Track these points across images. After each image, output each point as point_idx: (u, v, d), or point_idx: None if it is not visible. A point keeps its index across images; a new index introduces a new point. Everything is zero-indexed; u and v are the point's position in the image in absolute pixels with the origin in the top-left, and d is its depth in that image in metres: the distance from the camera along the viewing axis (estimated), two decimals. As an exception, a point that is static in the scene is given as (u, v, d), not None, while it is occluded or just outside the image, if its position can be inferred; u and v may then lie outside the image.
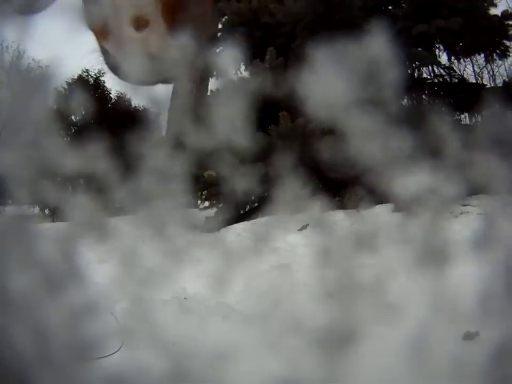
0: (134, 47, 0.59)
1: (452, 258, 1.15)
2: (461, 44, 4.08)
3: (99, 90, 8.18)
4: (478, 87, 4.74)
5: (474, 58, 5.56)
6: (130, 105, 7.69)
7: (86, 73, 8.22)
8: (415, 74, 4.35)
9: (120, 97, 8.02)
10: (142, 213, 1.28)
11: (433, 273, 1.12)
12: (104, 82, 8.25)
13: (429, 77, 4.50)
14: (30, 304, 0.69)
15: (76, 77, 7.94)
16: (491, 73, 6.51)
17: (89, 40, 0.61)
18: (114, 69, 0.63)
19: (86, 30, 0.61)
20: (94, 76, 8.28)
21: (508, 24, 3.92)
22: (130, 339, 1.19)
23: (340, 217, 2.62)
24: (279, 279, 1.88)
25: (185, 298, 1.76)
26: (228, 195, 2.43)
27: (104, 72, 7.64)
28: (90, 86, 8.12)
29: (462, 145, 1.17)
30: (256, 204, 3.68)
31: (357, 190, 2.76)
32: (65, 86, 7.12)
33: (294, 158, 2.18)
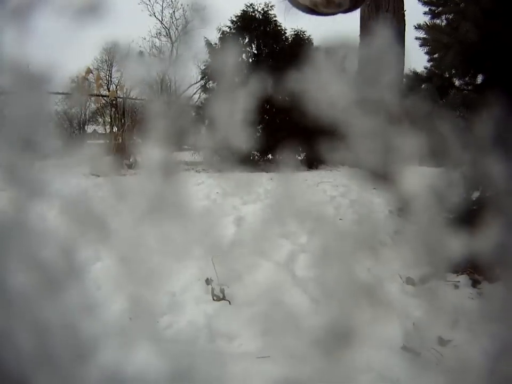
0: None
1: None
2: None
3: (271, 26, 6.94)
4: None
5: None
6: (311, 43, 6.98)
7: (252, 8, 7.02)
8: None
9: (298, 34, 7.08)
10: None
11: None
12: (274, 16, 7.05)
13: None
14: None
15: (239, 14, 6.91)
16: None
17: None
18: (303, 8, 0.75)
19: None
20: (261, 11, 7.07)
21: None
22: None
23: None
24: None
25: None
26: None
27: (273, 5, 6.97)
28: (259, 21, 6.91)
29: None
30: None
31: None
32: (229, 25, 6.65)
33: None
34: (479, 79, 2.31)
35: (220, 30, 6.64)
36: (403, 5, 5.02)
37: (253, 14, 6.97)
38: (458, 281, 1.99)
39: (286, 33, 7.07)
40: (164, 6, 12.10)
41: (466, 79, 2.35)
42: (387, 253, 2.22)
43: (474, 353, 1.32)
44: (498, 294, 1.84)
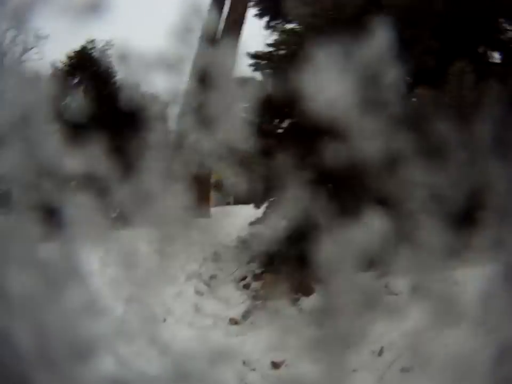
0: None
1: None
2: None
3: (102, 68, 6.38)
4: None
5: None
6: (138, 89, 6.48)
7: (92, 45, 6.54)
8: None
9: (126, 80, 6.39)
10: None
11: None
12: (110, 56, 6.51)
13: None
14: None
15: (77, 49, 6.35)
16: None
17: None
18: None
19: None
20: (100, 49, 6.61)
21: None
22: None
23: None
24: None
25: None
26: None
27: (112, 44, 6.45)
28: (93, 61, 6.34)
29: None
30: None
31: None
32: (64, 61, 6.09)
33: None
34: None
35: (53, 64, 6.22)
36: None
37: (91, 51, 6.65)
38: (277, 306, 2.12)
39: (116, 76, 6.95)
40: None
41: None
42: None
43: (309, 367, 1.45)
44: (317, 304, 2.09)
